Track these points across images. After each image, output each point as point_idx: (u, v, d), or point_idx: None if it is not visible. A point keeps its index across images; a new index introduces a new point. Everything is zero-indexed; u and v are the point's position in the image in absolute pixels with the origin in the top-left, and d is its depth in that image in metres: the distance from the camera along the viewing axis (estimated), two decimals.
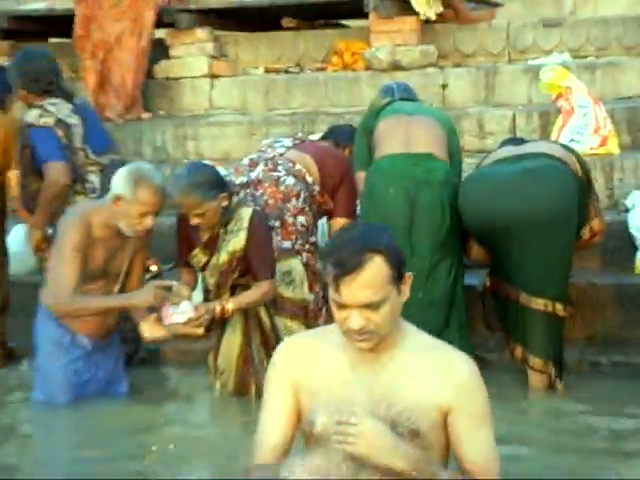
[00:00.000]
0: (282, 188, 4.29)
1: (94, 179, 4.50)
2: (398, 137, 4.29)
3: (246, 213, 4.10)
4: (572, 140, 5.18)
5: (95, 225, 4.01)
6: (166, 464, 3.61)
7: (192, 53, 6.53)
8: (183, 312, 3.82)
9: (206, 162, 4.92)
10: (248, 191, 4.20)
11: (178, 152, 5.98)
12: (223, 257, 4.11)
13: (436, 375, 2.50)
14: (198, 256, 4.17)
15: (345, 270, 2.31)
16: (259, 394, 3.46)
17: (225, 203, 4.02)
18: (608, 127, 5.45)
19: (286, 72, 6.54)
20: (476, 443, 2.47)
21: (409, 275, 2.32)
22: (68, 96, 4.60)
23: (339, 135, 4.79)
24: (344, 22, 7.36)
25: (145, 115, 6.15)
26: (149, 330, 3.91)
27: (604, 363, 4.32)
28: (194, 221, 4.00)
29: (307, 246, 4.33)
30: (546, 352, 4.21)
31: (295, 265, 4.27)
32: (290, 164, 4.36)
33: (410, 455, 2.20)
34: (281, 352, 2.70)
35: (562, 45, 6.41)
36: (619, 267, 4.61)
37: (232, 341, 4.20)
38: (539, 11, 7.70)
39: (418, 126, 4.32)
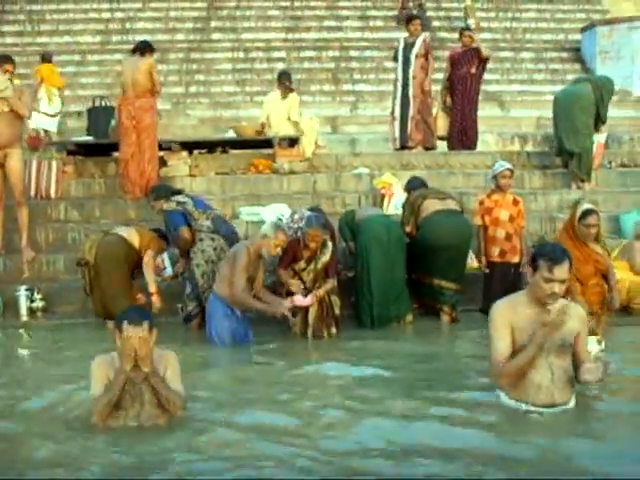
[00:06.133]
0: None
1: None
2: (371, 210, 8.36)
3: (330, 244, 7.19)
4: (396, 208, 8.93)
5: (252, 252, 6.70)
6: None
7: (179, 163, 10.08)
8: (304, 299, 6.89)
9: None
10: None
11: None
12: (318, 265, 7.11)
13: (571, 315, 4.35)
14: (300, 264, 7.10)
15: (557, 262, 4.18)
16: (329, 336, 7.06)
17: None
18: None
19: (225, 174, 10.39)
20: (585, 345, 4.54)
21: None
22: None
23: (318, 210, 7.87)
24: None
25: None
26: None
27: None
28: (312, 245, 6.99)
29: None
30: (452, 305, 7.79)
31: None
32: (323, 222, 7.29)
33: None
34: (496, 309, 4.46)
35: (362, 164, 10.70)
36: None
37: (313, 310, 7.09)
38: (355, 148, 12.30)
39: (373, 209, 8.66)
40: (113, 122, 10.27)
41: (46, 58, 13.59)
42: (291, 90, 10.75)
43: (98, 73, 17.37)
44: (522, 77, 17.42)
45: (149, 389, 4.55)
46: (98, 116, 10.72)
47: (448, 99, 11.44)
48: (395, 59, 11.43)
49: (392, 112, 11.38)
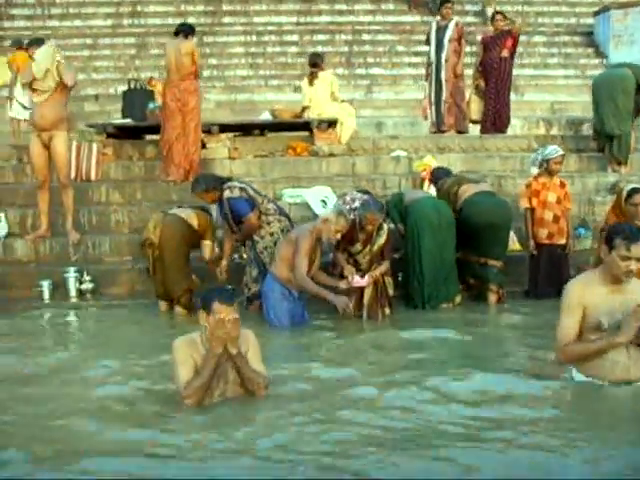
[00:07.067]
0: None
1: None
2: (420, 193, 8.39)
3: (386, 227, 7.30)
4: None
5: (314, 236, 6.78)
6: None
7: (219, 146, 10.21)
8: (361, 280, 6.96)
9: None
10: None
11: None
12: (374, 247, 7.18)
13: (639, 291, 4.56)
14: (357, 247, 7.16)
15: (634, 240, 4.36)
16: (383, 316, 7.14)
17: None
18: None
19: (264, 157, 10.40)
20: None
21: None
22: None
23: (365, 192, 7.85)
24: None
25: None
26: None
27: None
28: (369, 228, 7.05)
29: None
30: (498, 282, 7.87)
31: None
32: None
33: None
34: (571, 287, 4.62)
35: (398, 147, 10.71)
36: None
37: (368, 290, 7.16)
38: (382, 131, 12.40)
39: (421, 192, 8.62)
40: (151, 105, 10.22)
41: (19, 45, 12.34)
42: (321, 68, 10.87)
43: (111, 57, 17.27)
44: (535, 61, 17.37)
45: (234, 368, 4.50)
46: (133, 98, 10.61)
47: (482, 83, 11.43)
48: (427, 42, 11.44)
49: (429, 95, 11.40)
